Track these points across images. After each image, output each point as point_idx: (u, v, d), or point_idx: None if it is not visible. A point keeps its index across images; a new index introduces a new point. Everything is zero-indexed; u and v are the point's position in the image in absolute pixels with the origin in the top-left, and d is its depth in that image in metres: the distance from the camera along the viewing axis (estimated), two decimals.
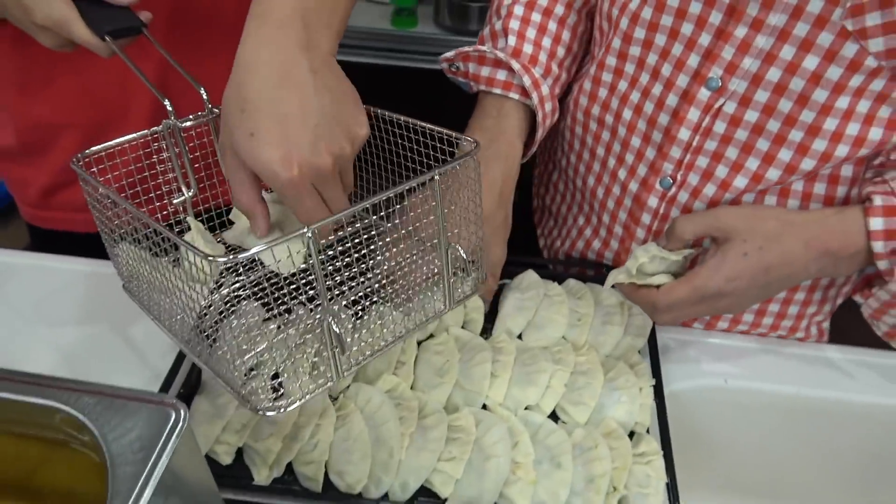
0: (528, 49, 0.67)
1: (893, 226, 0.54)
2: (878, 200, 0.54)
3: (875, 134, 0.55)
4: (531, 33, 0.67)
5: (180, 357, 0.60)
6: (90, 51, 0.58)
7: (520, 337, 0.65)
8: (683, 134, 0.61)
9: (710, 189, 0.62)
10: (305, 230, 0.41)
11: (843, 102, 0.54)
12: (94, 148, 0.55)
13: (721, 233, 0.57)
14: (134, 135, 0.57)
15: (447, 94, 0.83)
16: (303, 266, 0.46)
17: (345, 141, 0.47)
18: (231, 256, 0.40)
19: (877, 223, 0.54)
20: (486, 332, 0.66)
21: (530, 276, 0.69)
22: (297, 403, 0.44)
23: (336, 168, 0.47)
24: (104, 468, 0.35)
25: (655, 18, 0.60)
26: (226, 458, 0.54)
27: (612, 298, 0.67)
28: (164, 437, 0.35)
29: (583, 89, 0.70)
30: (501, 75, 0.66)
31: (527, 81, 0.65)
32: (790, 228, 0.56)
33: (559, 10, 0.69)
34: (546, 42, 0.67)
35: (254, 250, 0.40)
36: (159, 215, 0.58)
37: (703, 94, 0.59)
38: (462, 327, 0.65)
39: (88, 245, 0.76)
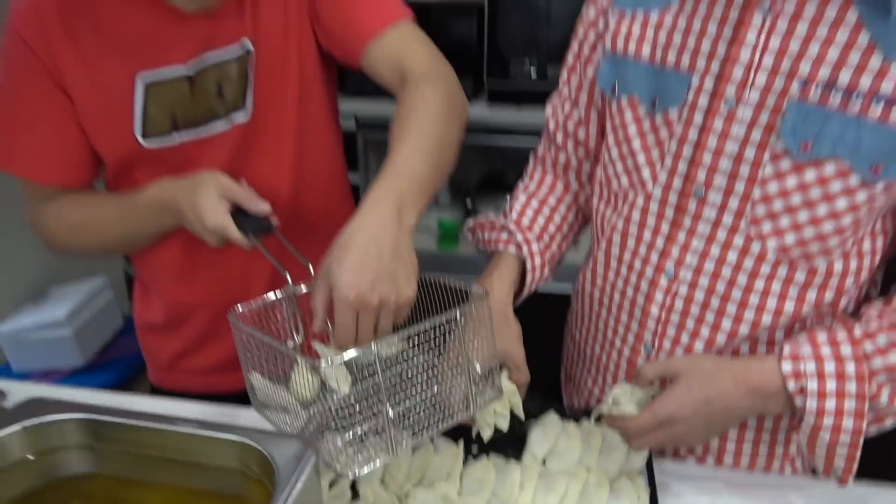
0: (524, 221, 0.93)
1: (799, 368, 0.70)
2: (786, 349, 0.72)
3: (788, 306, 0.76)
4: (528, 212, 0.94)
5: None
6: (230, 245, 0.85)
7: (543, 462, 0.83)
8: (654, 311, 0.83)
9: (678, 352, 0.83)
10: (373, 347, 0.64)
11: (759, 284, 0.76)
12: (239, 307, 0.79)
13: (672, 373, 0.75)
14: (271, 295, 0.82)
15: None
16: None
17: (393, 293, 0.68)
18: (338, 356, 0.63)
19: (786, 365, 0.71)
20: (517, 458, 0.84)
21: (552, 415, 0.88)
22: (367, 469, 0.64)
23: (378, 309, 0.68)
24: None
25: (625, 230, 0.85)
26: None
27: (617, 438, 0.85)
28: (303, 462, 0.55)
29: (585, 277, 0.94)
30: (503, 236, 0.91)
31: (519, 237, 0.90)
32: (723, 369, 0.74)
33: (552, 201, 0.96)
34: (540, 219, 0.94)
35: (350, 353, 0.63)
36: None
37: (664, 281, 0.81)
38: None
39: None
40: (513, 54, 2.00)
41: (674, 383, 0.75)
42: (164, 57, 0.89)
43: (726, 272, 0.77)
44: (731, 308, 0.78)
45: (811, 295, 0.76)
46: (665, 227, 0.81)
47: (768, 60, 0.70)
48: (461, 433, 0.84)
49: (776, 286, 0.76)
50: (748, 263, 0.76)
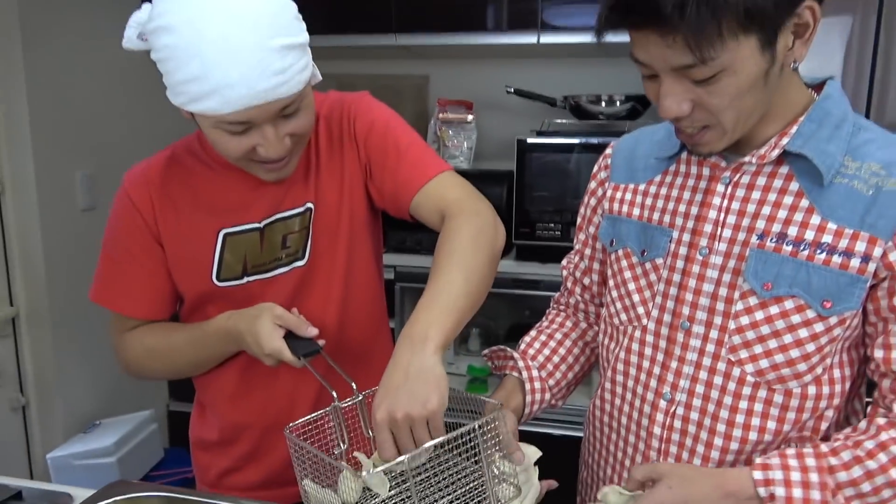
0: (530, 352, 1.07)
1: (769, 476, 0.79)
2: (758, 460, 0.81)
3: (771, 425, 0.86)
4: (535, 344, 1.09)
5: None
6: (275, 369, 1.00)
7: None
8: (657, 431, 0.93)
9: None
10: (405, 459, 0.76)
11: (743, 405, 0.87)
12: (293, 423, 0.92)
13: (657, 476, 0.84)
14: (321, 412, 0.95)
15: None
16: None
17: (416, 407, 0.77)
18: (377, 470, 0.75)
19: (757, 473, 0.80)
20: None
21: None
22: None
23: (405, 422, 0.77)
24: None
25: (627, 360, 0.97)
26: None
27: None
28: None
29: (595, 405, 1.05)
30: (510, 363, 1.06)
31: (521, 364, 1.04)
32: (702, 474, 0.83)
33: (558, 336, 1.10)
34: (545, 350, 1.08)
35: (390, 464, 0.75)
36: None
37: (662, 404, 0.92)
38: None
39: None
40: (538, 218, 2.23)
41: (656, 484, 0.83)
42: (243, 217, 1.07)
43: (714, 394, 0.89)
44: (721, 427, 0.88)
45: (791, 415, 0.86)
46: (660, 357, 0.93)
47: (731, 219, 0.87)
48: None
49: (758, 407, 0.87)
50: (731, 386, 0.87)
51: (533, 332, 1.13)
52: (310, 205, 1.08)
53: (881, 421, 0.81)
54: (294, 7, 0.93)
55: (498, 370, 1.10)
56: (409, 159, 1.06)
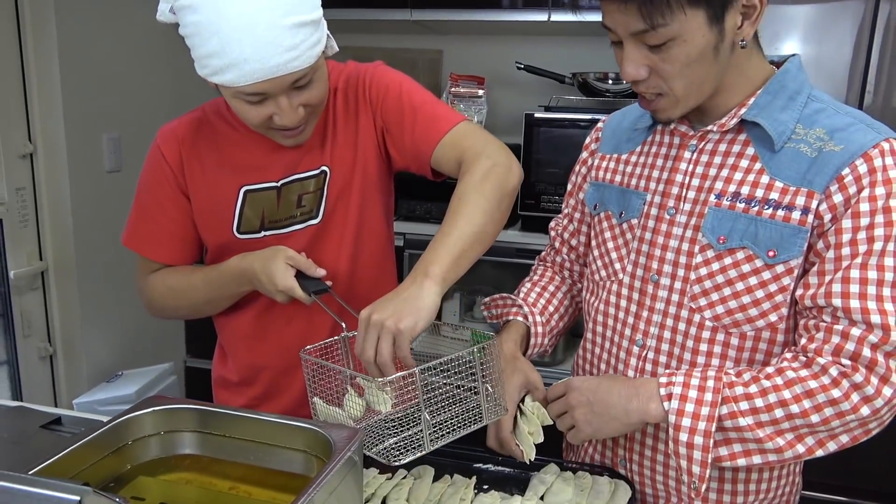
0: (530, 299, 1.17)
1: (671, 380, 0.91)
2: (665, 372, 0.94)
3: (729, 365, 0.95)
4: (532, 295, 1.19)
5: None
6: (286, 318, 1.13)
7: (542, 498, 1.00)
8: (630, 374, 1.03)
9: None
10: (416, 370, 0.86)
11: (703, 347, 0.96)
12: (308, 347, 1.03)
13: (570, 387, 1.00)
14: (332, 339, 1.05)
15: None
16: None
17: (390, 321, 0.86)
18: (388, 378, 0.85)
19: (662, 378, 0.92)
20: (520, 494, 1.01)
21: (552, 466, 1.06)
22: (407, 460, 0.84)
23: (375, 328, 0.86)
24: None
25: (606, 312, 1.07)
26: None
27: (604, 483, 1.01)
28: (354, 439, 0.76)
29: (579, 355, 1.16)
30: (514, 309, 1.16)
31: (526, 310, 1.14)
32: (615, 379, 0.98)
33: (551, 288, 1.21)
34: (541, 301, 1.18)
35: (394, 376, 0.85)
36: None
37: (635, 349, 1.03)
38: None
39: None
40: (543, 190, 2.31)
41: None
42: (263, 176, 1.17)
43: (679, 339, 0.99)
44: (685, 369, 0.98)
45: (746, 356, 0.96)
46: (633, 308, 1.04)
47: (695, 182, 0.97)
48: (473, 471, 1.03)
49: (717, 349, 0.97)
50: (693, 331, 0.97)
51: (528, 284, 1.23)
52: (325, 168, 1.17)
53: (788, 354, 0.90)
54: None
55: (497, 318, 1.20)
56: (425, 116, 1.12)
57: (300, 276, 1.08)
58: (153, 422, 0.83)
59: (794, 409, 0.85)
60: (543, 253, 1.30)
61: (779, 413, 0.86)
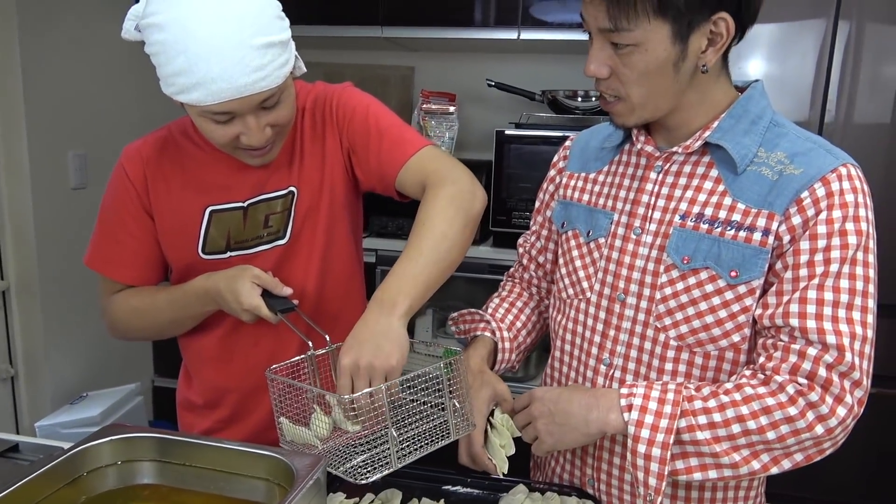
0: (498, 315, 1.17)
1: (632, 391, 0.91)
2: (626, 384, 0.94)
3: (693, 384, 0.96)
4: (500, 310, 1.19)
5: None
6: (253, 340, 1.11)
7: None
8: None
9: None
10: (384, 387, 0.85)
11: (668, 366, 0.97)
12: (274, 366, 1.01)
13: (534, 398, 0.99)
14: (299, 357, 1.04)
15: None
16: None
17: (377, 359, 0.86)
18: (356, 394, 0.84)
19: (623, 389, 0.92)
20: None
21: (521, 486, 1.05)
22: (375, 478, 0.83)
23: (367, 371, 0.85)
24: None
25: (573, 330, 1.07)
26: None
27: (572, 503, 1.02)
28: (317, 466, 0.75)
29: (547, 373, 1.16)
30: (482, 325, 1.15)
31: (493, 325, 1.13)
32: (577, 390, 0.98)
33: (519, 304, 1.21)
34: (509, 316, 1.18)
35: (362, 392, 0.84)
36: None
37: (602, 368, 1.03)
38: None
39: None
40: (514, 206, 2.32)
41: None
42: (229, 196, 1.15)
43: (644, 358, 0.99)
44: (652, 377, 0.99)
45: (710, 375, 0.97)
46: (600, 326, 1.04)
47: (660, 202, 0.98)
48: (442, 493, 1.02)
49: (682, 368, 0.97)
50: (658, 350, 0.98)
51: (496, 300, 1.23)
52: (293, 189, 1.16)
53: (746, 372, 0.91)
54: (277, 6, 1.01)
55: (465, 333, 1.19)
56: (391, 139, 1.13)
57: (266, 294, 1.07)
58: (111, 451, 0.81)
59: (752, 425, 0.86)
60: (512, 269, 1.30)
61: (736, 428, 0.86)
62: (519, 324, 1.20)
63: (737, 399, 0.87)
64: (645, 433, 0.88)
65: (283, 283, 1.09)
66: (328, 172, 1.18)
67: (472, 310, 1.20)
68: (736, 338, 0.94)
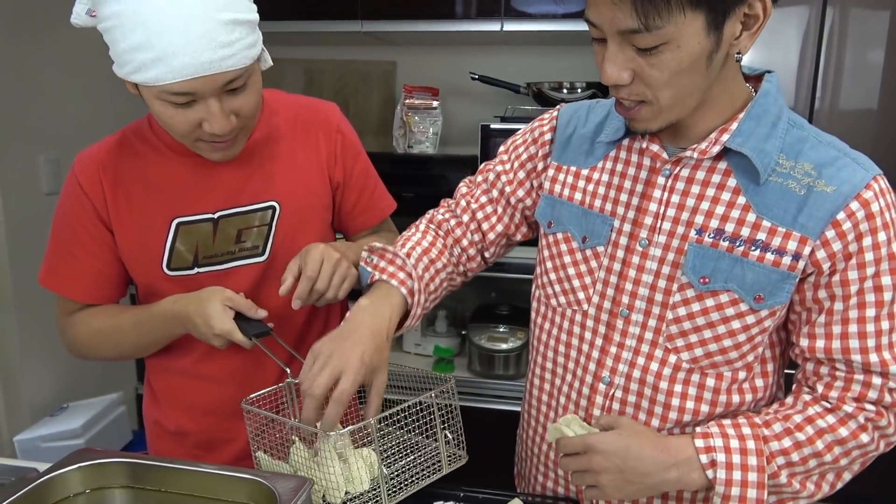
0: (417, 271, 0.97)
1: (710, 443, 0.85)
2: (698, 430, 0.87)
3: (704, 408, 0.91)
4: (421, 265, 1.00)
5: None
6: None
7: None
8: (596, 413, 0.97)
9: None
10: (372, 420, 0.81)
11: (677, 389, 0.92)
12: (251, 396, 0.96)
13: (617, 425, 0.89)
14: (275, 386, 0.99)
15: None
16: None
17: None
18: (338, 432, 0.79)
19: (698, 441, 0.85)
20: None
21: (516, 501, 1.01)
22: None
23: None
24: None
25: (567, 342, 1.00)
26: None
27: None
28: (301, 490, 0.71)
29: (532, 384, 1.08)
30: (401, 275, 0.96)
31: (414, 284, 0.95)
32: (652, 434, 0.88)
33: (439, 265, 1.04)
34: (427, 276, 1.01)
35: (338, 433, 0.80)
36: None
37: (601, 387, 0.96)
38: None
39: None
40: None
41: (609, 430, 0.89)
42: (197, 206, 1.07)
43: (650, 379, 0.93)
44: (658, 409, 0.93)
45: (722, 398, 0.92)
46: (598, 341, 0.97)
47: (671, 212, 0.89)
48: None
49: (692, 391, 0.92)
50: (667, 372, 0.92)
51: (418, 249, 1.03)
52: (273, 203, 1.09)
53: (807, 398, 0.88)
54: None
55: (374, 268, 0.99)
56: (379, 192, 1.25)
57: (240, 317, 0.99)
58: (80, 479, 0.76)
59: (827, 458, 0.86)
60: (441, 214, 1.11)
61: (812, 464, 0.87)
62: (432, 286, 1.03)
63: (811, 435, 0.86)
64: (735, 491, 0.84)
65: (258, 306, 1.01)
66: (317, 192, 1.13)
67: (397, 252, 1.00)
68: (750, 357, 0.90)
